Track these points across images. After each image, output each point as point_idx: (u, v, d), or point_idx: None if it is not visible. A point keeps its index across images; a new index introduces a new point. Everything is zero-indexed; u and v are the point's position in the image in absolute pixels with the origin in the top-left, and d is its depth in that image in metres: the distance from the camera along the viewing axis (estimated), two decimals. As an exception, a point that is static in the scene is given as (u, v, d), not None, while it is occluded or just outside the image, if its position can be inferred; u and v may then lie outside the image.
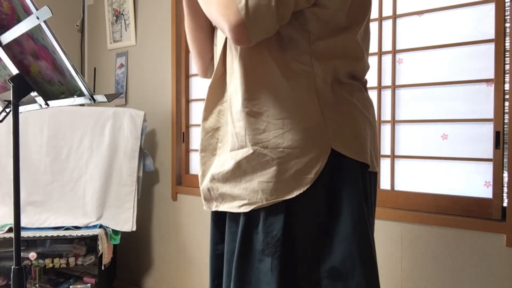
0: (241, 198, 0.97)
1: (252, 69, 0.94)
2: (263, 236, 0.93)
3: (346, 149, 0.93)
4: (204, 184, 1.06)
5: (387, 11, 1.76)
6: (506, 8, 1.48)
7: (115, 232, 2.31)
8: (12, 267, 1.26)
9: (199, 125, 2.49)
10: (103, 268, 2.25)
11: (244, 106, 0.94)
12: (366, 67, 1.05)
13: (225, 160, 1.00)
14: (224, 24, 0.86)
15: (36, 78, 1.31)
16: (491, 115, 1.51)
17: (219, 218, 1.07)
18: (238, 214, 0.99)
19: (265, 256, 0.93)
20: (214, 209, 1.05)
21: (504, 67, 1.48)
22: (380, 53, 1.77)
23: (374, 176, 1.04)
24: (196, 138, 2.52)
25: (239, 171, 0.97)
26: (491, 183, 1.52)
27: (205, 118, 1.06)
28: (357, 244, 0.90)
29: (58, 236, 2.18)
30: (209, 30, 1.12)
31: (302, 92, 0.93)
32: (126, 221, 2.34)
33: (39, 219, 2.25)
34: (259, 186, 0.94)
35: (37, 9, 1.06)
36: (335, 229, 0.92)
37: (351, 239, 0.90)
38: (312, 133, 0.92)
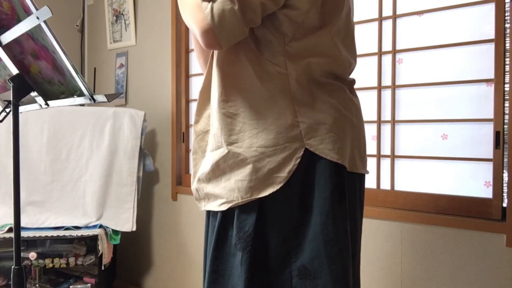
0: (221, 197, 1.01)
1: (228, 71, 0.98)
2: (236, 231, 0.97)
3: (319, 148, 0.95)
4: (193, 185, 1.11)
5: (387, 11, 1.76)
6: (506, 8, 1.48)
7: (115, 232, 2.31)
8: (12, 267, 1.26)
9: (199, 125, 2.50)
10: (103, 268, 2.25)
11: (221, 108, 0.98)
12: (346, 65, 1.05)
13: (207, 161, 1.05)
14: (195, 30, 0.91)
15: (36, 78, 1.31)
16: (491, 115, 1.51)
17: (211, 215, 1.11)
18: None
19: (237, 250, 0.96)
20: (203, 208, 1.09)
21: (504, 67, 1.48)
22: (380, 53, 1.77)
23: (358, 177, 1.05)
24: (196, 138, 2.52)
25: (218, 171, 1.01)
26: (491, 183, 1.52)
27: (196, 122, 1.11)
28: (324, 244, 0.92)
29: (58, 236, 2.18)
30: None
31: (276, 93, 0.95)
32: (126, 221, 2.34)
33: (39, 219, 2.25)
34: (235, 184, 0.97)
35: (37, 9, 1.06)
36: (306, 228, 0.95)
37: (319, 238, 0.92)
38: (285, 132, 0.94)
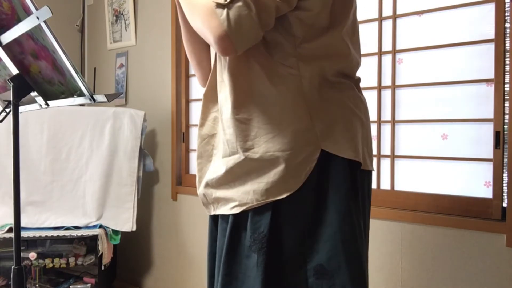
0: (233, 200, 0.99)
1: (240, 76, 0.97)
2: (250, 233, 0.95)
3: (335, 148, 0.94)
4: (200, 190, 1.09)
5: (387, 11, 1.76)
6: (506, 8, 1.48)
7: (115, 232, 2.31)
8: (12, 267, 1.26)
9: (199, 125, 2.50)
10: (103, 268, 2.25)
11: (234, 114, 0.97)
12: (354, 64, 1.05)
13: (218, 167, 1.03)
14: (209, 37, 0.88)
15: (36, 78, 1.31)
16: (491, 115, 1.51)
17: (216, 217, 1.10)
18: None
19: (252, 252, 0.95)
20: (212, 213, 1.08)
21: (504, 67, 1.48)
22: (380, 53, 1.77)
23: (367, 174, 1.05)
24: (196, 138, 2.52)
25: (232, 176, 0.99)
26: (491, 183, 1.52)
27: (201, 125, 1.09)
28: (342, 243, 0.91)
29: (58, 236, 2.18)
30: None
31: (289, 96, 0.94)
32: (126, 221, 2.34)
33: (39, 219, 2.25)
34: (251, 187, 0.96)
35: (37, 9, 1.06)
36: (321, 227, 0.94)
37: (337, 237, 0.92)
38: (300, 135, 0.94)
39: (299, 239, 0.94)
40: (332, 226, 0.92)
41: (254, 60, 0.95)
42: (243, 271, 0.97)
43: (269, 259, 0.93)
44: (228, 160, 0.99)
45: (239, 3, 0.84)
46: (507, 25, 1.47)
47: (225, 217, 1.03)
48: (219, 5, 0.84)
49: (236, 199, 0.98)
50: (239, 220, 0.98)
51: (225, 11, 0.84)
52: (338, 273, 0.91)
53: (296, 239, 0.94)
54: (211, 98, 1.06)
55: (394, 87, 1.74)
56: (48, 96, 1.34)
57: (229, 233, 0.99)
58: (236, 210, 0.98)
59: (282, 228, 0.94)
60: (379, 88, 1.78)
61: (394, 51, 1.74)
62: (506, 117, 1.47)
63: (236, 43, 0.86)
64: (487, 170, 1.53)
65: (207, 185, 1.05)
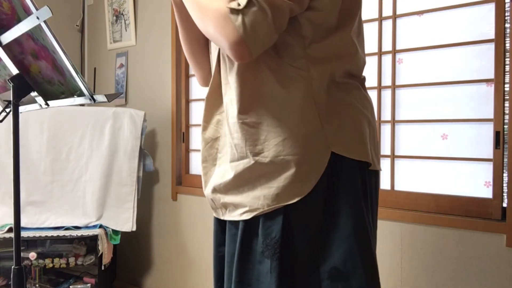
0: (242, 206, 0.97)
1: (247, 79, 0.95)
2: (262, 238, 0.94)
3: (346, 150, 0.93)
4: (207, 195, 1.07)
5: (387, 11, 1.76)
6: (506, 8, 1.48)
7: (115, 232, 2.31)
8: (12, 267, 1.26)
9: (199, 125, 2.50)
10: (103, 268, 2.25)
11: (243, 118, 0.95)
12: (361, 63, 1.04)
13: (225, 171, 1.01)
14: (223, 43, 0.86)
15: (36, 78, 1.31)
16: (491, 115, 1.51)
17: (222, 220, 1.08)
18: None
19: (265, 257, 0.93)
20: (221, 217, 1.05)
21: (504, 67, 1.48)
22: (380, 53, 1.77)
23: (374, 175, 1.04)
24: (196, 138, 2.52)
25: (241, 181, 0.98)
26: (491, 183, 1.52)
27: (204, 128, 1.07)
28: (357, 244, 0.90)
29: (58, 236, 2.18)
30: (205, 41, 1.13)
31: (299, 98, 0.93)
32: (126, 221, 2.34)
33: (39, 219, 2.25)
34: (261, 192, 0.94)
35: (37, 9, 1.06)
36: (335, 230, 0.92)
37: (352, 239, 0.90)
38: (311, 138, 0.92)
39: (311, 243, 0.93)
40: (345, 228, 0.91)
41: (263, 62, 0.94)
42: (256, 277, 0.96)
43: (282, 264, 0.92)
44: (237, 164, 0.97)
45: (255, 8, 0.82)
46: (507, 25, 1.47)
47: (234, 222, 1.01)
48: (233, 11, 0.83)
49: (246, 205, 0.96)
50: (249, 226, 0.97)
51: (240, 17, 0.82)
52: (354, 275, 0.90)
53: (308, 243, 0.93)
54: (213, 100, 1.05)
55: (394, 87, 1.74)
56: (48, 96, 1.34)
57: (240, 239, 0.97)
58: (247, 216, 0.96)
59: (294, 233, 0.93)
60: (379, 88, 1.78)
61: (394, 51, 1.74)
62: (506, 117, 1.47)
63: (252, 48, 0.85)
64: (487, 170, 1.53)
65: (215, 190, 1.03)
